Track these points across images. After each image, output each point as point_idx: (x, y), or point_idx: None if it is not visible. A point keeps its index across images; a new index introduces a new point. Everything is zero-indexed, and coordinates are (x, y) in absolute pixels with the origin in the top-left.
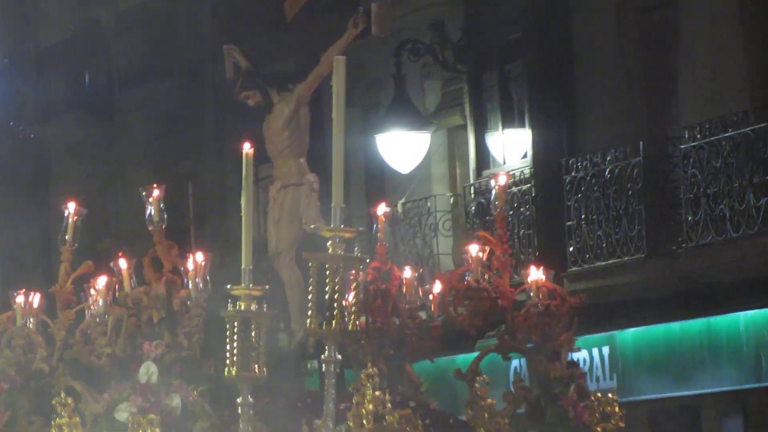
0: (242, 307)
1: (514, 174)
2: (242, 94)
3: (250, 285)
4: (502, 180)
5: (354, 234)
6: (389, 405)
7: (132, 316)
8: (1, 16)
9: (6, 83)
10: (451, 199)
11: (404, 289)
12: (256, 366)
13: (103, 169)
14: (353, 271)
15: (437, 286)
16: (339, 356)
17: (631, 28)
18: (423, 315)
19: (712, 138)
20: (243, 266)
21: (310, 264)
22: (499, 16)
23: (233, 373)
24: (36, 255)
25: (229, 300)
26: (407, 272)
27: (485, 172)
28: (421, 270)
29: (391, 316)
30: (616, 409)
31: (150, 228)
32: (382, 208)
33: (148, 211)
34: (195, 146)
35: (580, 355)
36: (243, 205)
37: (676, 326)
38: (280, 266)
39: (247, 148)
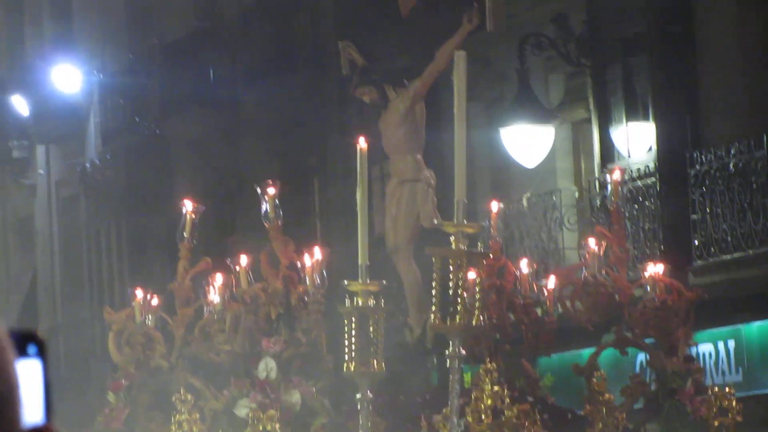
0: (359, 303)
1: (639, 168)
2: (358, 91)
3: (367, 280)
4: (617, 175)
5: (477, 229)
6: (508, 400)
7: (250, 312)
8: (124, 12)
9: (131, 78)
10: (576, 193)
11: (519, 285)
12: (375, 361)
13: (227, 164)
14: (475, 268)
15: (552, 282)
16: (463, 351)
17: (753, 19)
18: (539, 311)
19: None
20: (360, 262)
21: (433, 259)
22: (621, 10)
23: (352, 368)
24: (160, 251)
25: (347, 295)
26: (523, 267)
27: (610, 166)
28: (536, 265)
29: (506, 311)
30: (734, 403)
31: (266, 224)
32: (495, 205)
33: (264, 208)
34: (320, 141)
35: (706, 349)
36: (358, 201)
37: None
38: (398, 262)
39: (361, 143)
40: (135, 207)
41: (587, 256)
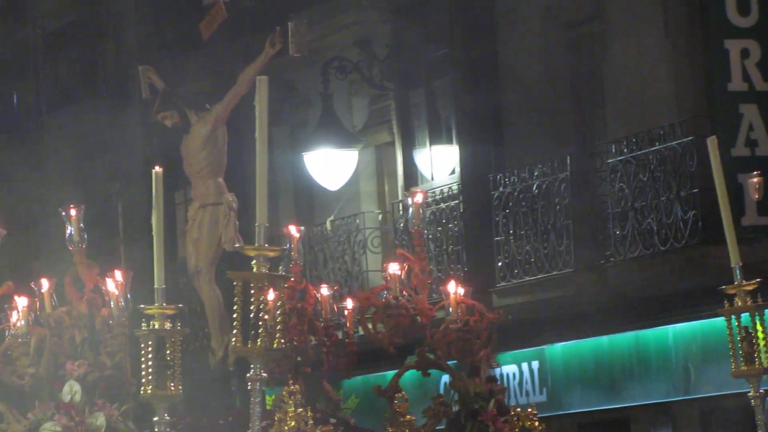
0: (155, 326)
1: (442, 190)
2: (159, 115)
3: (164, 304)
4: (419, 198)
5: (278, 252)
6: (311, 422)
7: (54, 336)
8: None
9: None
10: (380, 216)
11: (319, 307)
12: (172, 384)
13: (31, 189)
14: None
15: (350, 303)
16: (264, 374)
17: (557, 42)
18: (339, 333)
19: (639, 152)
20: (156, 285)
21: (234, 282)
22: (424, 33)
23: (148, 391)
24: None
25: (143, 319)
26: (324, 290)
27: (413, 189)
28: (336, 288)
29: (307, 334)
30: (536, 423)
31: (70, 248)
32: (294, 228)
33: (68, 231)
34: (123, 166)
35: (510, 370)
36: (154, 225)
37: (605, 340)
38: (200, 285)
39: (157, 168)
40: None
41: (389, 278)
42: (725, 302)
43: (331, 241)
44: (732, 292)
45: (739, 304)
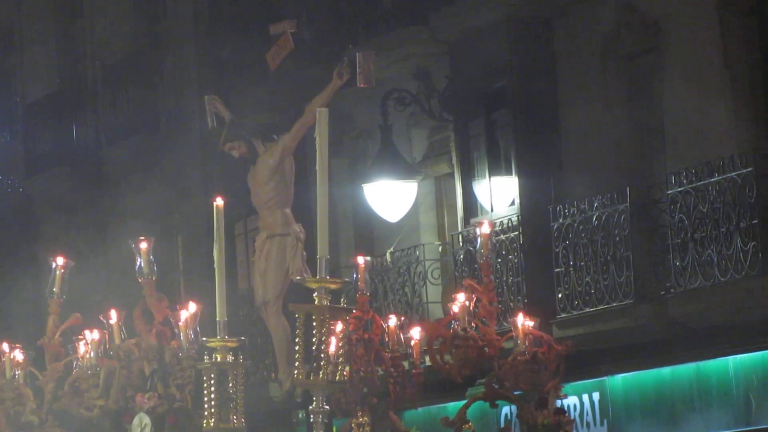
0: (218, 359)
1: (502, 222)
2: (227, 146)
3: (225, 336)
4: (486, 228)
5: (340, 285)
6: None
7: (123, 368)
8: None
9: None
10: (440, 248)
11: (386, 338)
12: (234, 416)
13: (93, 222)
14: (338, 322)
15: (417, 334)
16: (326, 406)
17: (616, 74)
18: (406, 364)
19: (699, 183)
20: (218, 318)
21: (296, 315)
22: (484, 64)
23: (211, 424)
24: (26, 308)
25: (206, 352)
26: (391, 321)
27: (473, 220)
28: (403, 318)
29: (374, 364)
30: None
31: (140, 280)
32: (361, 259)
33: (138, 263)
34: (183, 198)
35: (571, 401)
36: (216, 258)
37: (666, 371)
38: (267, 316)
39: (218, 201)
40: (0, 264)
41: (457, 309)
42: None
43: (391, 272)
44: None
45: None
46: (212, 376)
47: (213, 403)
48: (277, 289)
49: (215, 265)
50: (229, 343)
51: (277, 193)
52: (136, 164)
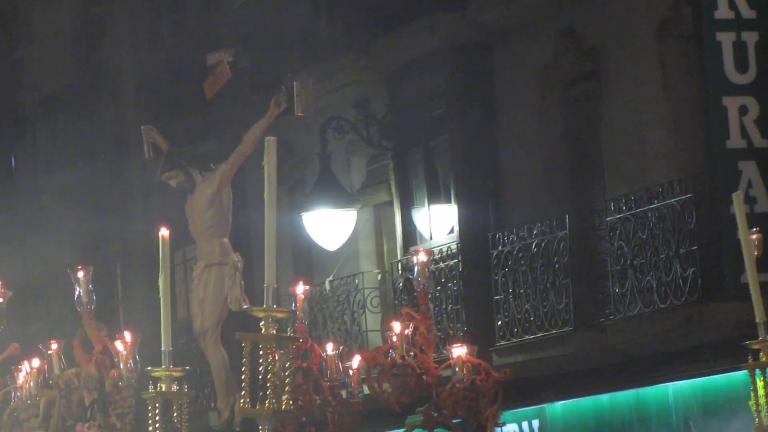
0: (163, 388)
1: (441, 249)
2: (164, 175)
3: (170, 366)
4: (423, 257)
5: (286, 314)
6: None
7: (63, 397)
8: None
9: None
10: (379, 276)
11: (325, 366)
12: None
13: (31, 252)
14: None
15: (356, 362)
16: None
17: (555, 101)
18: (344, 393)
19: (638, 210)
20: (163, 347)
21: (243, 344)
22: (423, 92)
23: None
24: None
25: (150, 381)
26: (329, 349)
27: (412, 248)
28: (342, 347)
29: (312, 393)
30: None
31: (79, 309)
32: (300, 287)
33: (77, 293)
34: (122, 227)
35: (510, 429)
36: (161, 288)
37: (605, 398)
38: (206, 345)
39: (163, 231)
40: None
41: (394, 337)
42: (749, 357)
43: (330, 301)
44: (756, 347)
45: (764, 359)
46: (157, 405)
47: None
48: (215, 318)
49: (161, 295)
50: (174, 373)
51: (215, 222)
52: (75, 193)
